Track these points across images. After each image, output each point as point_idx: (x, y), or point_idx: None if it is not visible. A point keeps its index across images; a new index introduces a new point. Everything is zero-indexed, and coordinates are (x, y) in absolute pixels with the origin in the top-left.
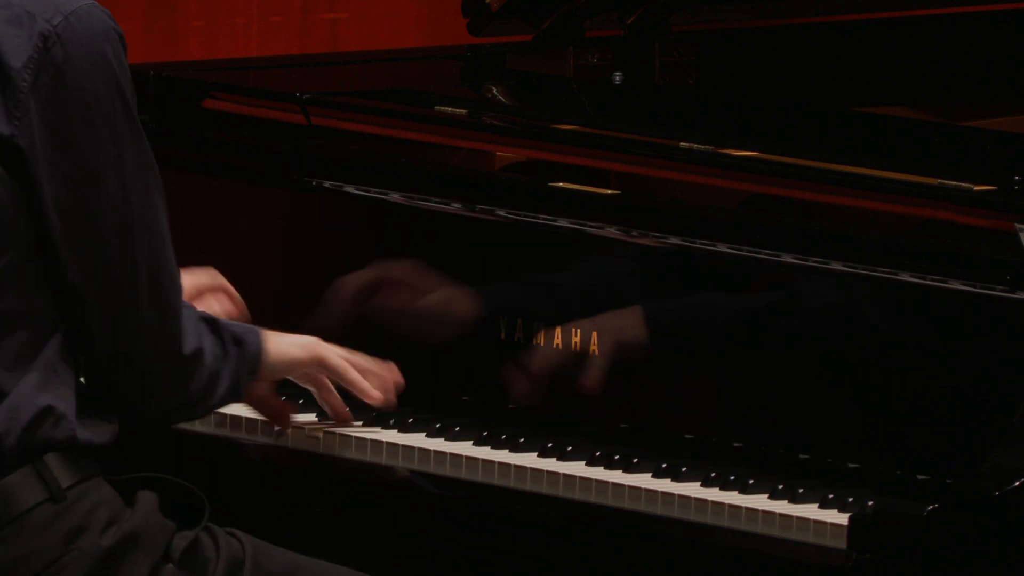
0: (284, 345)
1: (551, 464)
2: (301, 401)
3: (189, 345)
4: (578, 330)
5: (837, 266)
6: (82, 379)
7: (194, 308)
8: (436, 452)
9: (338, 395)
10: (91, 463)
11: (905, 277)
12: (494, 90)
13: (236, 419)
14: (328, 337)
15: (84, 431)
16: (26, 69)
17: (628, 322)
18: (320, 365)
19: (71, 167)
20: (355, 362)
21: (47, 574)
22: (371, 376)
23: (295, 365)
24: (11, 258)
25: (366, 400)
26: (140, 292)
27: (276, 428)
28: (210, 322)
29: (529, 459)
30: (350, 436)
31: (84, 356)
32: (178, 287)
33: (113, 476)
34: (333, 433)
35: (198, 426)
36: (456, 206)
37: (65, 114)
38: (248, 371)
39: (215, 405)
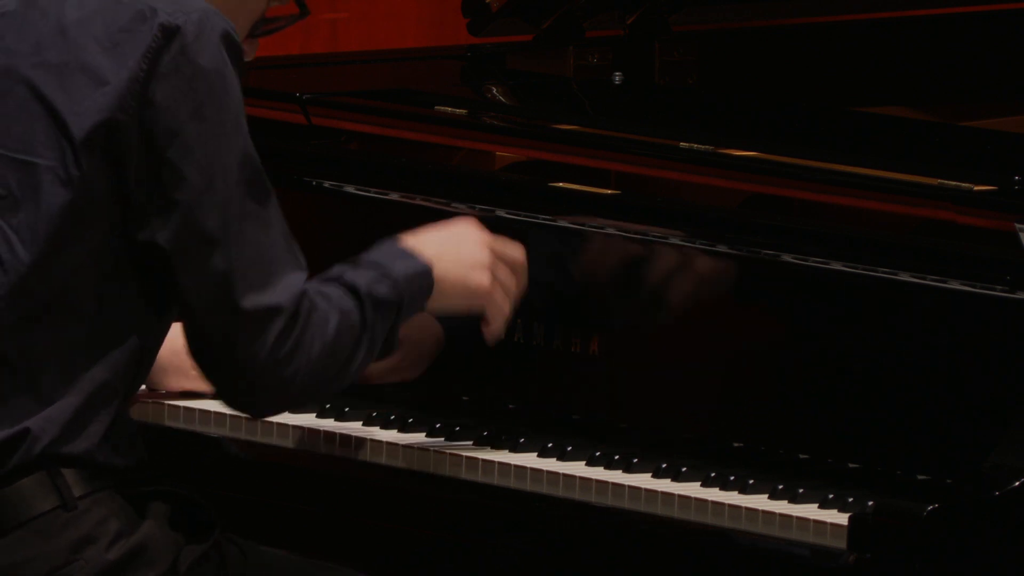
0: (455, 290)
1: (551, 464)
2: None
3: (285, 349)
4: (578, 330)
5: (837, 266)
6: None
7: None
8: (436, 452)
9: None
10: (106, 476)
11: (905, 277)
12: (494, 90)
13: (220, 416)
14: None
15: (107, 454)
16: (144, 58)
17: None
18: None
19: (176, 155)
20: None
21: None
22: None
23: (458, 309)
24: (91, 243)
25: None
26: (227, 297)
27: None
28: (352, 289)
29: (529, 459)
30: (350, 435)
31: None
32: (278, 288)
33: (126, 488)
34: (332, 433)
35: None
36: (456, 206)
37: (177, 104)
38: (409, 315)
39: (352, 375)
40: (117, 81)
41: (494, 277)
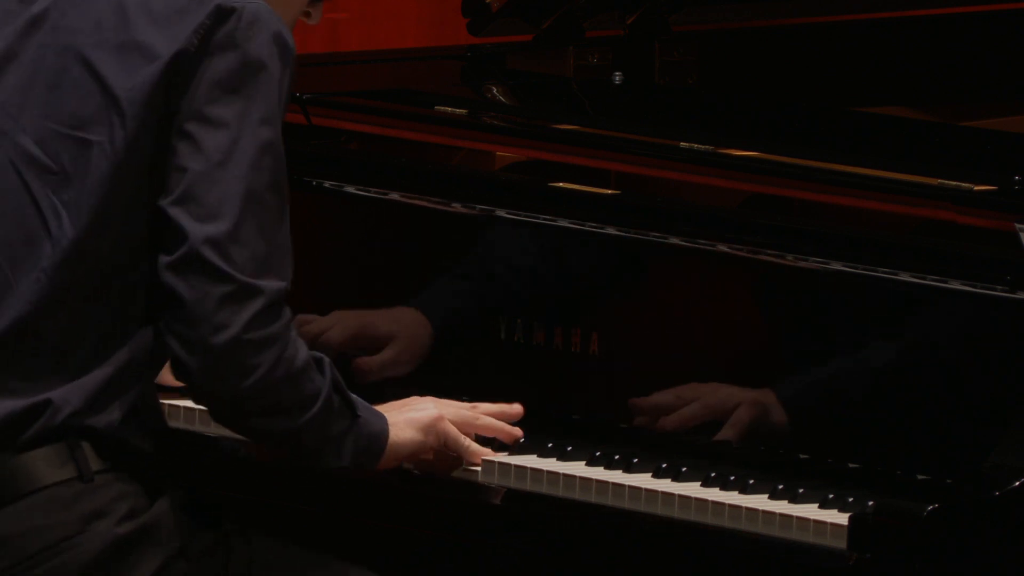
0: (407, 431)
1: (551, 464)
2: None
3: (261, 332)
4: (578, 330)
5: (837, 266)
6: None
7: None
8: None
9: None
10: (125, 455)
11: (905, 277)
12: (494, 90)
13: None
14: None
15: (127, 434)
16: (195, 34)
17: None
18: (441, 443)
19: (198, 128)
20: (472, 423)
21: (60, 548)
22: (488, 431)
23: (419, 450)
24: (128, 218)
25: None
26: (218, 265)
27: None
28: (318, 361)
29: (529, 460)
30: None
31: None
32: (263, 279)
33: (142, 471)
34: None
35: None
36: (456, 206)
37: (213, 80)
38: (365, 443)
39: (299, 431)
40: (167, 55)
41: (441, 413)
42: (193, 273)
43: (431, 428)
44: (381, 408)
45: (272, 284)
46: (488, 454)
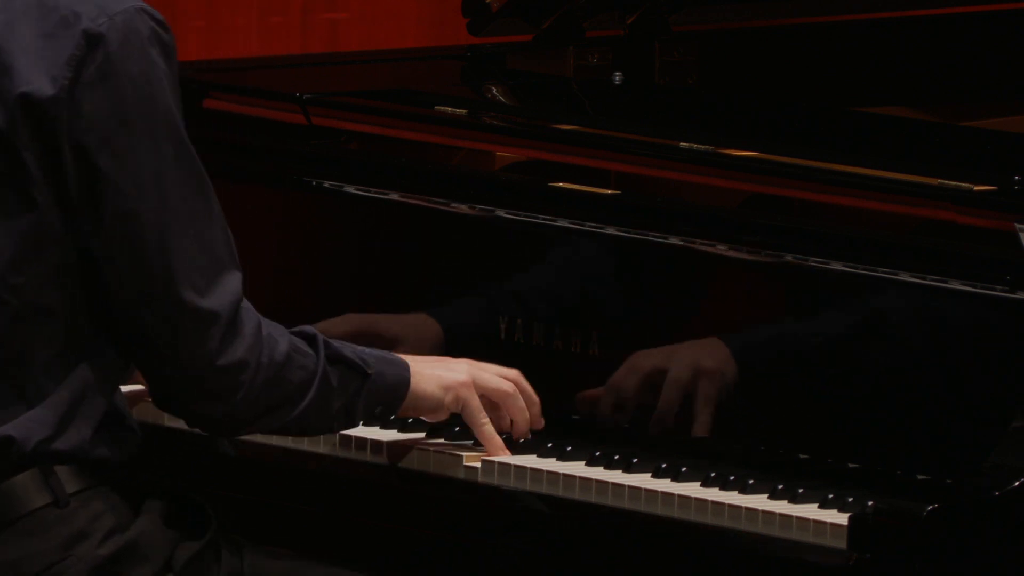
0: (429, 384)
1: (551, 464)
2: None
3: (230, 355)
4: (578, 330)
5: (837, 266)
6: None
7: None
8: (436, 453)
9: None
10: (100, 472)
11: (905, 277)
12: (494, 90)
13: None
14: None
15: (101, 449)
16: (68, 66)
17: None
18: (459, 409)
19: (107, 164)
20: (504, 398)
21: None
22: (516, 411)
23: (437, 407)
24: (55, 247)
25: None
26: (171, 298)
27: None
28: (310, 338)
29: (529, 460)
30: (350, 436)
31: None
32: (217, 292)
33: (121, 484)
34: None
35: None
36: (456, 206)
37: (104, 113)
38: (380, 398)
39: (298, 420)
40: (43, 90)
41: (473, 379)
42: (147, 315)
43: (452, 389)
44: (416, 359)
45: (225, 296)
46: (499, 446)
